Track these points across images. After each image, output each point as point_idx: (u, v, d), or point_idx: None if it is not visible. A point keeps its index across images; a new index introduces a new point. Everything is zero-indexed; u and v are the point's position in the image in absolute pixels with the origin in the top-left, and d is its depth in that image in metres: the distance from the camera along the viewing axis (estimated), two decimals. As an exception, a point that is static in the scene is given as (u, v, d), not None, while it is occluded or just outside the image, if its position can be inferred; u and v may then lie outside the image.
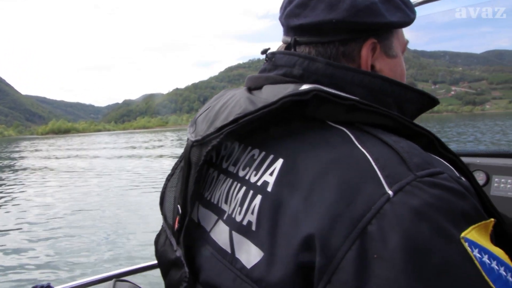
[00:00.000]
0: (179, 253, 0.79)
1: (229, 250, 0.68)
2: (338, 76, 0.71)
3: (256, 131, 0.72)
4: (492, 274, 0.50)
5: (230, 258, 0.68)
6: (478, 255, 0.50)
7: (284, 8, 0.81)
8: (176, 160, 1.00)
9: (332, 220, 0.53)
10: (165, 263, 0.86)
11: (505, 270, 0.51)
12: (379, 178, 0.54)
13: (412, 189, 0.52)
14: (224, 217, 0.72)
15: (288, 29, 0.81)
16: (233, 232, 0.68)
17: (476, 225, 0.52)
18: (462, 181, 0.56)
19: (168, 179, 0.98)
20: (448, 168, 0.59)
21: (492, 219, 0.54)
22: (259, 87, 0.79)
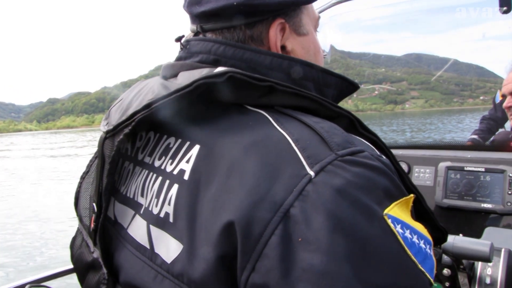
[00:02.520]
0: (96, 254, 0.74)
1: (147, 246, 0.64)
2: (256, 61, 0.70)
3: (172, 119, 0.68)
4: (413, 248, 0.52)
5: (149, 254, 0.64)
6: (400, 230, 0.51)
7: None
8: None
9: (253, 205, 0.51)
10: (81, 266, 0.80)
11: (424, 243, 0.54)
12: (300, 159, 0.53)
13: (333, 169, 0.51)
14: (141, 211, 0.68)
15: (193, 17, 0.78)
16: (151, 226, 0.64)
17: (398, 201, 0.54)
18: (383, 159, 0.57)
19: (83, 177, 0.91)
20: (369, 147, 0.59)
21: (412, 195, 0.56)
22: (174, 75, 0.75)
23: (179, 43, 0.80)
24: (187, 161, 0.62)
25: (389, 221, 0.51)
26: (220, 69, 0.64)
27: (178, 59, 0.78)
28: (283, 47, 0.75)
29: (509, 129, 2.13)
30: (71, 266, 1.33)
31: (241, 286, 0.51)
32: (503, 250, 1.13)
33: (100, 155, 0.75)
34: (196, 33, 0.78)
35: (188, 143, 0.64)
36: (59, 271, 1.50)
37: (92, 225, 0.76)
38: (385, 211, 0.51)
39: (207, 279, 0.54)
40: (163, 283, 0.60)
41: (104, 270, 0.71)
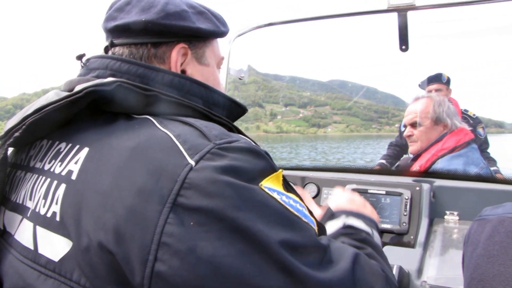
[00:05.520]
0: None
1: (31, 247, 0.65)
2: (149, 76, 0.75)
3: (64, 126, 0.72)
4: (293, 207, 0.62)
5: (32, 256, 0.64)
6: (277, 196, 0.61)
7: (105, 13, 0.84)
8: None
9: (144, 199, 0.55)
10: None
11: (300, 206, 0.66)
12: (181, 151, 0.58)
13: (212, 156, 0.58)
14: (28, 214, 0.68)
15: (107, 33, 0.83)
16: (37, 227, 0.65)
17: (270, 176, 0.62)
18: (258, 147, 0.65)
19: None
20: (245, 138, 0.66)
21: (281, 170, 0.67)
22: (72, 90, 0.76)
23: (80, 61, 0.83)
24: (76, 162, 0.65)
25: (266, 189, 0.60)
26: (110, 79, 0.68)
27: (78, 76, 0.81)
28: (183, 71, 0.82)
29: (411, 155, 2.31)
30: None
31: (146, 280, 0.53)
32: (395, 266, 1.23)
33: None
34: (106, 48, 0.82)
35: (77, 146, 0.67)
36: None
37: None
38: (260, 184, 0.60)
39: (99, 273, 0.56)
40: (46, 283, 0.61)
41: None
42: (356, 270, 0.64)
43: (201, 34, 0.83)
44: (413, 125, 2.26)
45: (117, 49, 0.81)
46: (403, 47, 1.76)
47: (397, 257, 1.28)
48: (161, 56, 0.80)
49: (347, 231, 0.86)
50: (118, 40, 0.80)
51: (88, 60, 0.81)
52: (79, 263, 0.58)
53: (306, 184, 1.85)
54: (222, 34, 0.89)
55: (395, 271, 1.20)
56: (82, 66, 0.82)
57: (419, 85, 3.69)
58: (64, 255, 0.60)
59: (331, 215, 0.96)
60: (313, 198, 1.81)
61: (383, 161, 3.38)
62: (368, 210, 1.02)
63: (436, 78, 3.56)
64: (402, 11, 1.70)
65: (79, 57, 0.83)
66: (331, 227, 0.90)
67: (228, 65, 1.95)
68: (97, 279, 0.57)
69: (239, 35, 1.95)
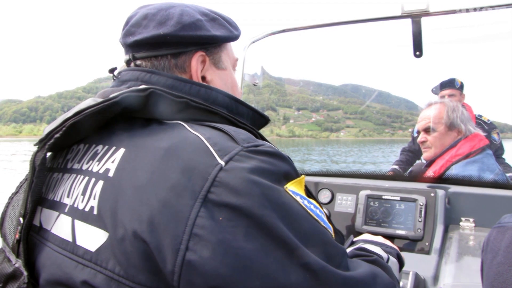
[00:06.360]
0: (18, 264, 0.75)
1: (70, 239, 0.69)
2: (177, 87, 0.79)
3: (100, 131, 0.76)
4: (313, 211, 0.66)
5: (71, 248, 0.69)
6: (300, 200, 0.66)
7: (122, 29, 0.88)
8: None
9: (177, 194, 0.59)
10: (0, 282, 0.79)
11: (320, 212, 0.69)
12: (211, 152, 0.63)
13: (240, 158, 0.62)
14: (66, 210, 0.73)
15: (127, 47, 0.88)
16: (75, 221, 0.69)
17: (294, 180, 0.67)
18: (282, 152, 0.69)
19: (11, 197, 0.92)
20: (270, 143, 0.71)
21: (303, 176, 0.71)
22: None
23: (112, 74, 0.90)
24: (112, 162, 0.69)
25: (290, 192, 0.65)
26: (143, 86, 0.73)
27: (111, 87, 0.86)
28: (203, 78, 0.87)
29: (424, 161, 2.30)
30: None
31: (177, 267, 0.57)
32: (410, 273, 1.23)
33: (31, 168, 0.78)
34: (128, 62, 0.87)
35: (114, 147, 0.72)
36: None
37: (17, 236, 0.77)
38: (285, 186, 0.65)
39: (133, 262, 0.60)
40: (83, 271, 0.65)
41: (25, 273, 0.73)
42: (377, 273, 0.70)
43: (216, 40, 0.88)
44: (427, 130, 2.26)
45: (138, 62, 0.85)
46: (417, 53, 1.77)
47: (412, 264, 1.28)
48: (181, 66, 0.85)
49: (359, 253, 0.89)
50: (139, 54, 0.85)
51: (119, 73, 0.87)
52: (114, 253, 0.62)
53: (320, 189, 1.86)
54: (235, 38, 0.93)
55: (410, 277, 1.20)
56: (114, 79, 0.88)
57: (432, 90, 3.66)
58: (100, 246, 0.64)
59: (351, 242, 1.03)
60: (327, 204, 1.82)
61: (396, 166, 3.36)
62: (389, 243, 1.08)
63: (449, 84, 3.53)
64: (416, 17, 1.70)
65: (111, 71, 0.89)
66: (348, 250, 0.94)
67: (243, 70, 1.97)
68: (131, 267, 0.60)
69: (253, 42, 1.97)
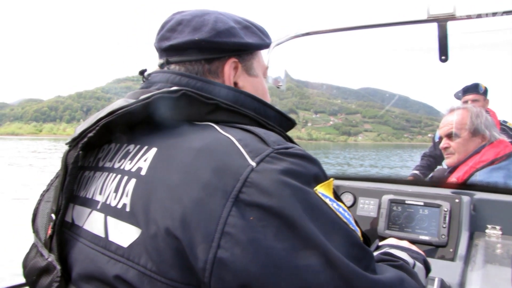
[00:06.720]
0: (51, 258, 0.77)
1: (103, 235, 0.71)
2: (206, 89, 0.81)
3: (131, 130, 0.78)
4: (342, 214, 0.66)
5: (103, 243, 0.70)
6: (329, 202, 0.66)
7: (157, 34, 0.91)
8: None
9: (209, 194, 0.60)
10: (34, 274, 0.82)
11: (348, 214, 0.70)
12: (242, 154, 0.64)
13: (271, 159, 0.63)
14: (98, 207, 0.75)
15: (161, 52, 0.90)
16: (108, 217, 0.71)
17: (323, 183, 0.67)
18: (312, 155, 0.70)
19: (43, 194, 0.95)
20: (299, 146, 0.71)
21: (332, 179, 0.71)
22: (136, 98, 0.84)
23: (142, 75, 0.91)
24: (145, 160, 0.71)
25: (319, 194, 0.65)
26: (175, 88, 0.75)
27: (141, 88, 0.88)
28: (235, 84, 0.89)
29: (446, 167, 2.27)
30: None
31: (209, 265, 0.58)
32: (436, 279, 1.22)
33: (63, 166, 0.79)
34: (161, 66, 0.89)
35: (146, 147, 0.73)
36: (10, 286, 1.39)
37: (49, 231, 0.79)
38: (315, 188, 0.66)
39: (165, 258, 0.61)
40: (115, 266, 0.66)
41: (58, 267, 0.75)
42: (404, 278, 0.70)
43: (249, 48, 0.90)
44: (449, 136, 2.23)
45: (172, 66, 0.88)
46: (443, 57, 1.75)
47: (437, 270, 1.27)
48: (214, 71, 0.87)
49: (385, 257, 0.89)
50: (173, 59, 0.87)
51: (149, 74, 0.89)
52: (146, 249, 0.63)
53: (342, 193, 1.85)
54: (267, 46, 0.95)
55: (436, 284, 1.19)
56: (143, 80, 0.90)
57: (455, 95, 3.60)
58: (133, 242, 0.65)
59: (376, 247, 1.02)
60: (349, 207, 1.81)
61: (417, 171, 3.32)
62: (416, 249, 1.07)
63: (473, 89, 3.47)
64: (442, 21, 1.68)
65: (141, 72, 0.91)
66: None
67: (267, 73, 1.97)
68: (163, 264, 0.62)
69: (277, 44, 1.98)
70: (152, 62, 0.96)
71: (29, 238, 0.92)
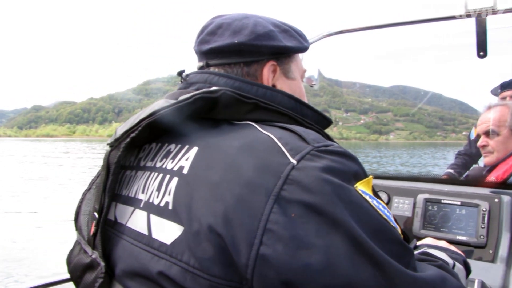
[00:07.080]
0: (95, 255, 0.80)
1: (146, 233, 0.73)
2: (244, 89, 0.82)
3: (172, 127, 0.79)
4: (382, 211, 0.66)
5: (147, 240, 0.72)
6: (369, 199, 0.67)
7: (197, 37, 0.93)
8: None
9: (251, 191, 0.61)
10: (78, 270, 0.84)
11: (388, 212, 0.70)
12: (283, 152, 0.64)
13: (311, 157, 0.64)
14: (141, 205, 0.76)
15: (201, 55, 0.92)
16: (151, 215, 0.73)
17: (363, 180, 0.67)
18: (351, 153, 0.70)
19: (85, 193, 0.98)
20: (338, 144, 0.72)
21: (371, 176, 0.72)
22: (176, 99, 0.85)
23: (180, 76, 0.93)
24: (186, 159, 0.72)
25: (360, 191, 0.66)
26: (215, 88, 0.77)
27: (179, 89, 0.90)
28: (273, 86, 0.90)
29: (482, 166, 2.20)
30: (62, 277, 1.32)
31: (251, 261, 0.59)
32: (476, 281, 1.19)
33: (105, 166, 0.82)
34: (201, 69, 0.91)
35: (187, 146, 0.75)
36: (53, 280, 1.39)
37: (93, 230, 0.81)
38: (355, 186, 0.66)
39: (208, 255, 0.62)
40: (159, 263, 0.68)
41: (102, 263, 0.77)
42: (446, 277, 0.69)
43: (288, 51, 0.91)
44: (487, 134, 2.16)
45: (211, 69, 0.89)
46: (481, 53, 1.69)
47: (476, 271, 1.23)
48: (253, 74, 0.88)
49: (424, 257, 0.88)
50: (213, 61, 0.89)
51: (187, 75, 0.91)
52: (189, 246, 0.65)
53: (376, 192, 1.82)
54: (305, 49, 0.96)
55: (476, 285, 1.16)
56: (181, 81, 0.92)
57: (492, 92, 3.49)
58: (176, 239, 0.67)
59: (414, 247, 1.01)
60: (383, 206, 1.78)
61: (451, 170, 3.23)
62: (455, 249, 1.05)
63: (511, 85, 3.35)
64: (481, 16, 1.63)
65: (180, 73, 0.92)
66: None
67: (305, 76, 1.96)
68: (206, 260, 0.63)
69: (311, 43, 1.96)
70: (191, 64, 0.96)
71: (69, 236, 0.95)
